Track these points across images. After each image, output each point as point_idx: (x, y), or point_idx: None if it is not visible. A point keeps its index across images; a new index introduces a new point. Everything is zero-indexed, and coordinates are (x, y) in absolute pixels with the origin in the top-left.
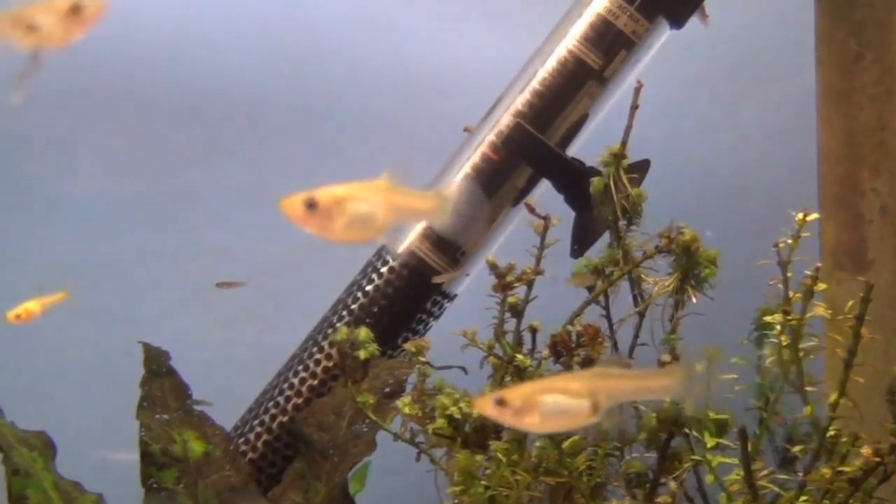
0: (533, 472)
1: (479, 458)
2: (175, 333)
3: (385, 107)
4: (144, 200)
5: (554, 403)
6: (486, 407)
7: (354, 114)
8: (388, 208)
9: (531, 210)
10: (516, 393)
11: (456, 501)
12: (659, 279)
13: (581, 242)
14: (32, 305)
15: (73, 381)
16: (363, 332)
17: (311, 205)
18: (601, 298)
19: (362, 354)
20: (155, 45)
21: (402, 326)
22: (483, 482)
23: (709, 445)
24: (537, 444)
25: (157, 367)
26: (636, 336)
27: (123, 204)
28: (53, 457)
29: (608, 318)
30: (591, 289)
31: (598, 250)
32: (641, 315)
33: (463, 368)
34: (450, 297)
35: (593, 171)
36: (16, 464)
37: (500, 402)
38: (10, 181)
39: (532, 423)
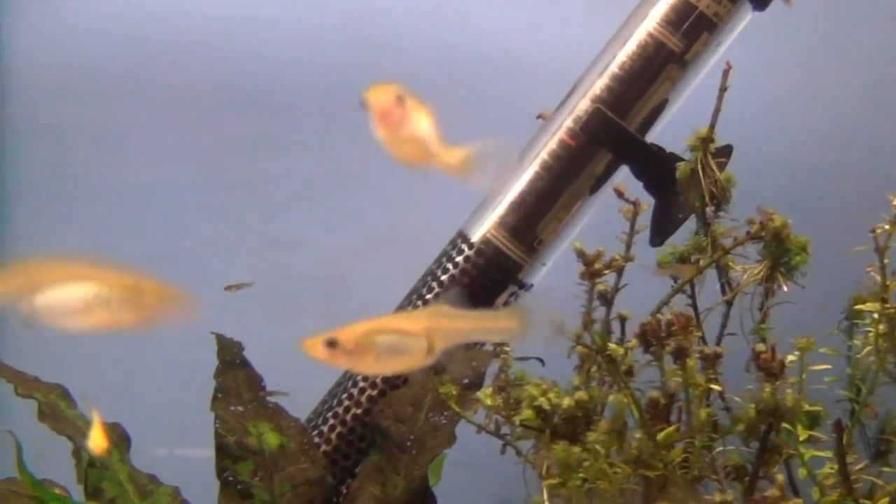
0: (632, 465)
1: (576, 449)
2: (244, 325)
3: (458, 93)
4: (213, 190)
5: (389, 343)
6: (316, 349)
7: (425, 101)
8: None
9: (620, 195)
10: (348, 333)
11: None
12: (748, 267)
13: (661, 230)
14: None
15: (140, 373)
16: None
17: (332, 344)
18: (687, 287)
19: None
20: (224, 34)
21: None
22: (581, 475)
23: (801, 438)
24: (637, 435)
25: (231, 357)
26: (724, 326)
27: (191, 194)
28: (128, 449)
29: (694, 307)
30: (676, 277)
31: (682, 238)
32: (729, 304)
33: (540, 360)
34: (526, 287)
35: (674, 157)
36: (91, 456)
37: (332, 344)
38: (81, 173)
39: (366, 365)
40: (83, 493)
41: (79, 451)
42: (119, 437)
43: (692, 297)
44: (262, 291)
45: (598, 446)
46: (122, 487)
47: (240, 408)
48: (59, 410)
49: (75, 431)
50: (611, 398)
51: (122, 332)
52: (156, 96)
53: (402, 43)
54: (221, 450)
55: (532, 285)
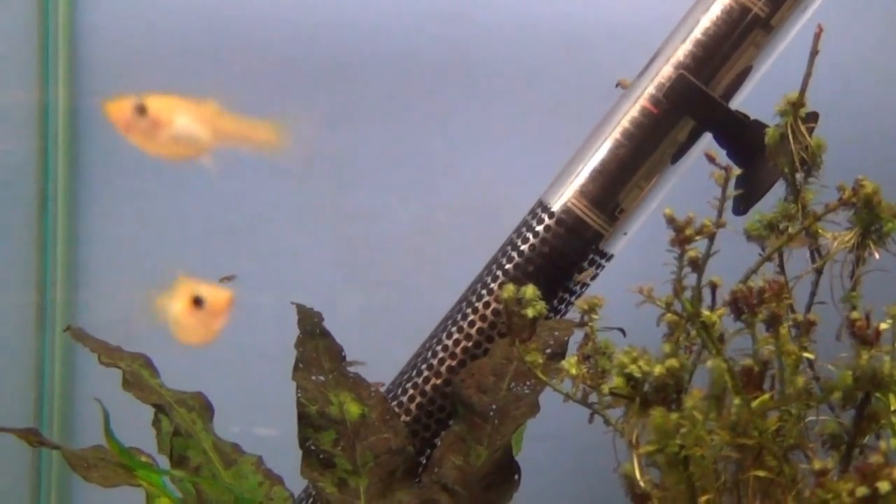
0: (731, 432)
1: (674, 415)
2: (319, 297)
3: (534, 61)
4: (286, 162)
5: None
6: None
7: (502, 70)
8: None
9: (712, 160)
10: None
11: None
12: (838, 234)
13: (746, 198)
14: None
15: (214, 347)
16: (530, 290)
17: (141, 110)
18: (775, 255)
19: (530, 312)
20: (300, 4)
21: (559, 286)
22: (678, 441)
23: (893, 407)
24: (736, 401)
25: (311, 327)
26: (813, 294)
27: (265, 166)
28: (211, 418)
29: (783, 275)
30: (764, 245)
31: (770, 205)
32: (819, 272)
33: (622, 330)
34: (607, 257)
35: (758, 124)
36: (177, 424)
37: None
38: None
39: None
40: (168, 463)
41: (159, 421)
42: (201, 407)
43: (781, 265)
44: (340, 263)
45: (695, 413)
46: (206, 456)
47: (321, 377)
48: (143, 379)
49: (159, 400)
50: (709, 363)
51: None
52: (231, 68)
53: (480, 13)
54: (303, 419)
55: (613, 255)
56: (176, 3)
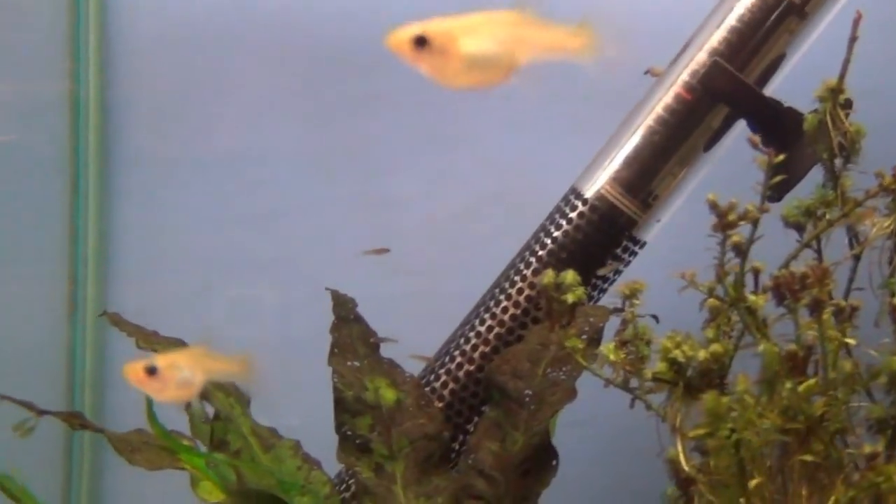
0: (782, 416)
1: (725, 399)
2: (350, 284)
3: None
4: (319, 151)
5: (476, 50)
6: (402, 45)
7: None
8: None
9: (755, 145)
10: (438, 26)
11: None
12: (877, 220)
13: (780, 185)
14: None
15: (246, 334)
16: (570, 275)
17: (421, 41)
18: (813, 241)
19: (570, 298)
20: None
21: (592, 273)
22: (729, 425)
23: None
24: (786, 385)
25: (346, 313)
26: (851, 280)
27: (299, 155)
28: (248, 403)
29: (820, 261)
30: (801, 230)
31: (807, 191)
32: (857, 258)
33: (655, 317)
34: (640, 244)
35: (792, 111)
36: (217, 408)
37: (421, 42)
38: (190, 137)
39: (450, 71)
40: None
41: (191, 406)
42: (239, 394)
43: (818, 251)
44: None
45: (746, 396)
46: (245, 440)
47: (356, 363)
48: None
49: None
50: (760, 348)
51: None
52: (260, 59)
53: (508, 2)
54: (340, 404)
55: (645, 242)
56: None
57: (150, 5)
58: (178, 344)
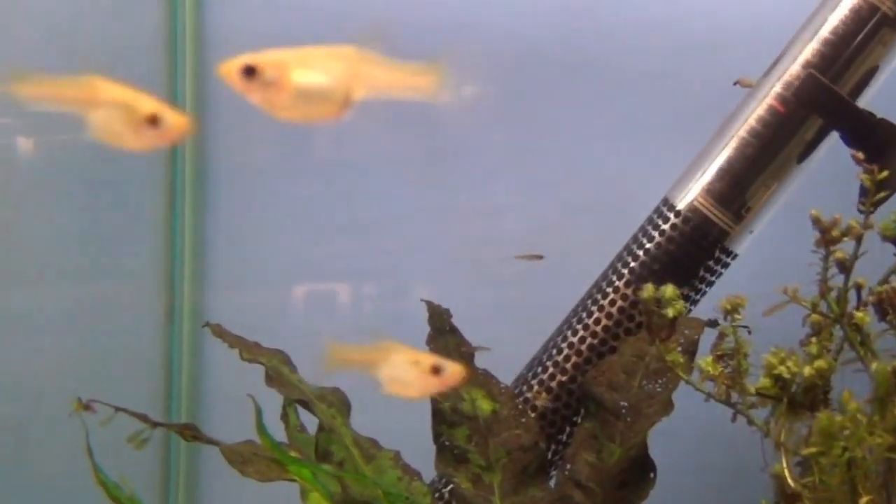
0: (894, 434)
1: (839, 418)
2: (444, 293)
3: (658, 61)
4: (418, 160)
5: (308, 84)
6: (232, 76)
7: (626, 67)
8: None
9: (858, 161)
10: (269, 58)
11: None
12: None
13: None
14: None
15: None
16: (670, 289)
17: (250, 71)
18: None
19: (670, 312)
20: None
21: (685, 284)
22: (841, 443)
23: None
24: None
25: (441, 324)
26: None
27: (398, 165)
28: (349, 413)
29: None
30: None
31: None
32: None
33: (746, 328)
34: (732, 255)
35: (886, 123)
36: (320, 419)
37: (250, 72)
38: (293, 145)
39: (279, 104)
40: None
41: (287, 416)
42: (340, 402)
43: None
44: (465, 259)
45: (858, 415)
46: (348, 451)
47: None
48: (284, 375)
49: (301, 395)
50: (873, 367)
51: None
52: None
53: (604, 10)
54: (437, 415)
55: (737, 254)
56: (303, 2)
57: (246, 15)
58: (280, 355)
